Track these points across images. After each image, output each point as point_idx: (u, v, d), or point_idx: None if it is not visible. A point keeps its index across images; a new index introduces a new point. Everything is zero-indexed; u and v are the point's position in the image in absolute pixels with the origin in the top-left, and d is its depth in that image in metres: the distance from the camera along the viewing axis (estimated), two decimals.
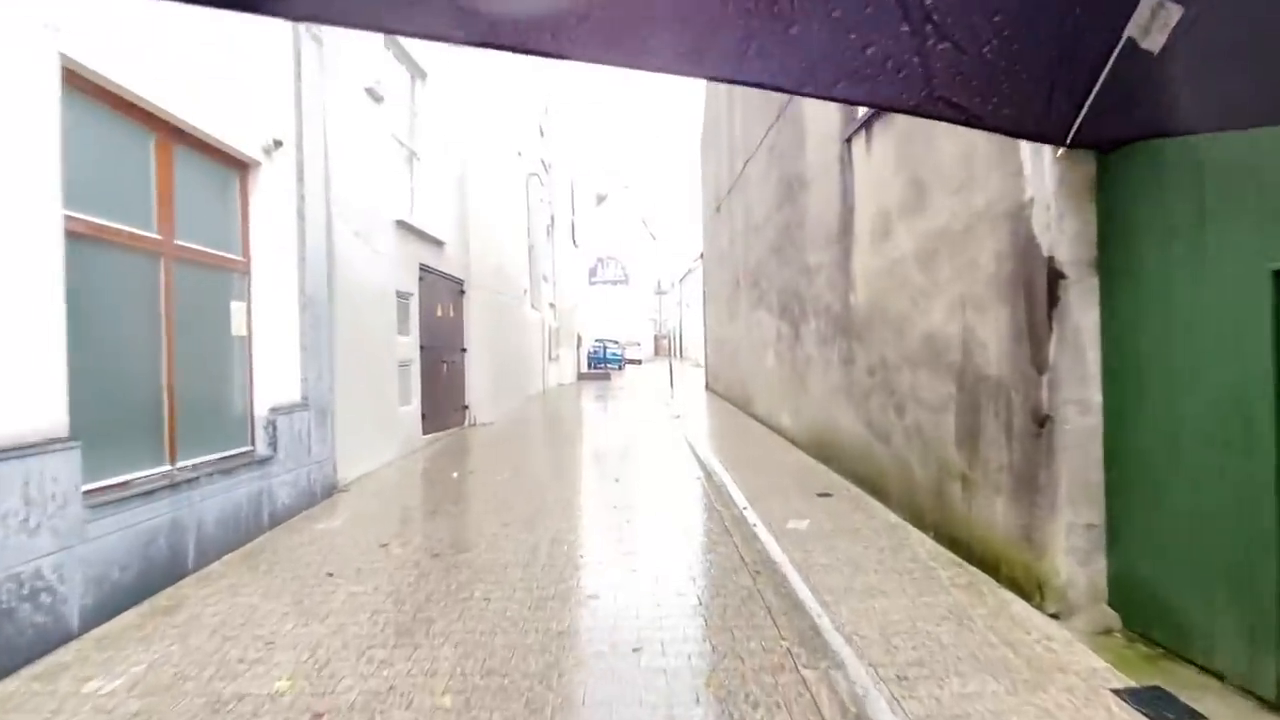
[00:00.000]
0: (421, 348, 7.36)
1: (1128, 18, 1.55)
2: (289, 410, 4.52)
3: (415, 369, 7.17)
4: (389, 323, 6.52)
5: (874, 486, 4.68)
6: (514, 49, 1.58)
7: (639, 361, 34.23)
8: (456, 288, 8.81)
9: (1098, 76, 1.87)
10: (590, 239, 36.21)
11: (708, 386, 14.58)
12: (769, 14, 1.40)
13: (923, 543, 3.71)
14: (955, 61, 1.67)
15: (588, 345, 24.14)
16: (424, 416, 7.40)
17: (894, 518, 4.21)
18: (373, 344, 6.08)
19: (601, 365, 23.74)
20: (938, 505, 3.73)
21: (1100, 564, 2.69)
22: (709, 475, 5.64)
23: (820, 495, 4.85)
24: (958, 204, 3.48)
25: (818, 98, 2.51)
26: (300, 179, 4.79)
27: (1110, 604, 2.66)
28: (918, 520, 3.97)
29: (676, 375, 20.84)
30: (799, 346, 6.64)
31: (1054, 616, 2.71)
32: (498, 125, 10.56)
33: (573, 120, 20.69)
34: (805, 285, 6.36)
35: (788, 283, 7.02)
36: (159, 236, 3.54)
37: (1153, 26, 1.30)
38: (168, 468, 3.54)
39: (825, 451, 5.82)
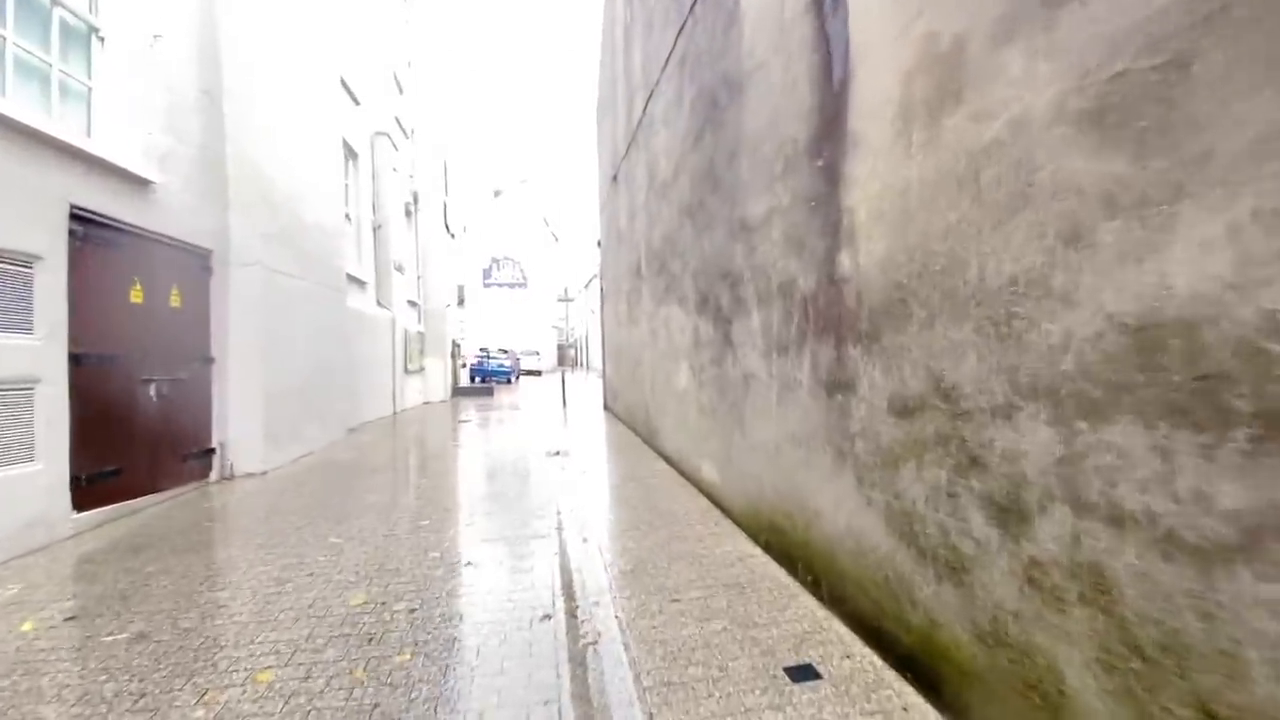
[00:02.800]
0: (74, 357, 4.10)
1: None
2: None
3: (50, 395, 3.90)
4: None
5: (909, 658, 2.13)
6: None
7: (538, 373, 31.00)
8: (194, 261, 5.53)
9: None
10: (485, 237, 32.67)
11: (606, 406, 11.87)
12: None
13: None
14: None
15: (471, 354, 20.72)
16: (80, 480, 4.12)
17: None
18: None
19: (485, 379, 20.39)
20: None
21: None
22: (575, 605, 2.91)
23: (794, 674, 2.25)
24: None
25: None
26: None
27: None
28: None
29: (579, 390, 18.02)
30: (730, 357, 4.08)
31: None
32: (301, 30, 7.36)
33: (447, 85, 17.48)
34: (741, 255, 3.81)
35: (711, 256, 4.46)
36: None
37: None
38: None
39: (783, 541, 3.25)
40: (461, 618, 2.81)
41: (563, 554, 3.60)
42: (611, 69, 9.36)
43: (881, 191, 2.33)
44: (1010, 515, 1.72)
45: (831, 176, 2.70)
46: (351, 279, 9.69)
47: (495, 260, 34.96)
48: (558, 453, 7.04)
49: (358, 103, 10.38)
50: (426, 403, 14.22)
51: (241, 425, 5.94)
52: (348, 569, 3.39)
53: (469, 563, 3.49)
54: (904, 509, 2.19)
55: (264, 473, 6.02)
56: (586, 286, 39.04)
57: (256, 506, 4.81)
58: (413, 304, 13.77)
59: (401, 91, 13.53)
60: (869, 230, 2.41)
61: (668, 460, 6.13)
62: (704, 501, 4.64)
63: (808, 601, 2.85)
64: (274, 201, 6.55)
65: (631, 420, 8.62)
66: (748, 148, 3.68)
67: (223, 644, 2.56)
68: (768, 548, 3.46)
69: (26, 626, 2.75)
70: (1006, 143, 1.74)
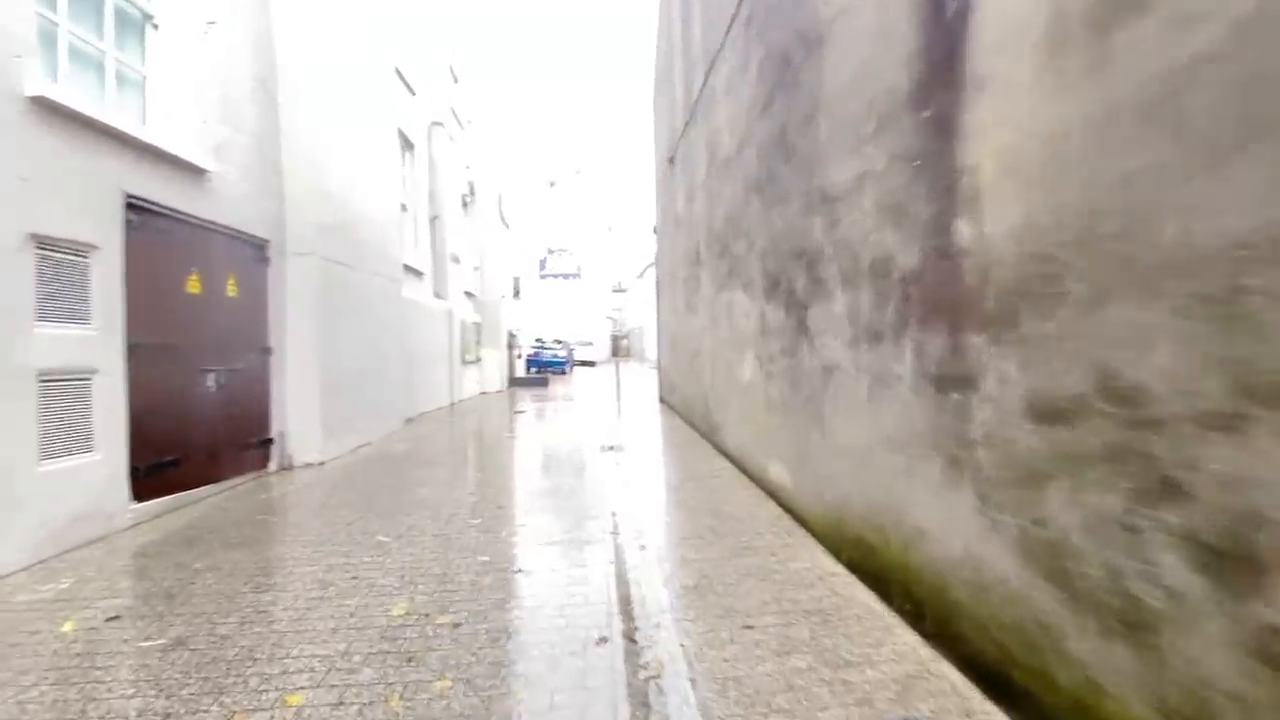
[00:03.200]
0: (132, 347, 4.08)
1: None
2: None
3: (107, 385, 3.89)
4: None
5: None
6: None
7: (592, 363, 31.01)
8: (251, 251, 5.51)
9: None
10: (539, 228, 32.91)
11: (661, 399, 11.54)
12: None
13: None
14: None
15: (527, 345, 20.83)
16: (139, 471, 4.12)
17: None
18: None
19: (541, 369, 20.44)
20: None
21: None
22: (634, 626, 2.59)
23: None
24: None
25: None
26: None
27: None
28: None
29: (634, 381, 17.79)
30: (806, 346, 3.64)
31: None
32: (356, 19, 7.29)
33: (502, 74, 17.43)
34: (821, 230, 3.36)
35: (782, 234, 4.02)
36: None
37: None
38: None
39: (873, 561, 2.82)
40: (509, 636, 2.53)
41: (619, 562, 3.29)
42: (668, 44, 8.93)
43: (1017, 141, 1.86)
44: (1230, 563, 1.26)
45: (943, 129, 2.23)
46: (408, 269, 9.71)
47: (550, 251, 35.17)
48: (611, 447, 6.76)
49: (413, 93, 10.36)
50: (483, 393, 14.29)
51: (299, 416, 5.94)
52: (393, 572, 3.19)
53: (520, 569, 3.22)
54: (1049, 539, 1.74)
55: (321, 463, 6.01)
56: (640, 276, 38.78)
57: (310, 499, 4.74)
58: (469, 295, 13.82)
59: (457, 81, 13.51)
60: (998, 190, 1.94)
61: (729, 458, 5.73)
62: (773, 506, 4.23)
63: (907, 637, 2.42)
64: (329, 191, 6.50)
65: (689, 414, 8.25)
66: (829, 107, 3.22)
67: (257, 656, 2.38)
68: (852, 566, 3.03)
69: (67, 627, 2.66)
70: (1226, 55, 1.26)
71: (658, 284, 11.40)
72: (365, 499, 4.69)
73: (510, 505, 4.49)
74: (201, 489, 4.77)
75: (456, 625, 2.61)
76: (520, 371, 18.89)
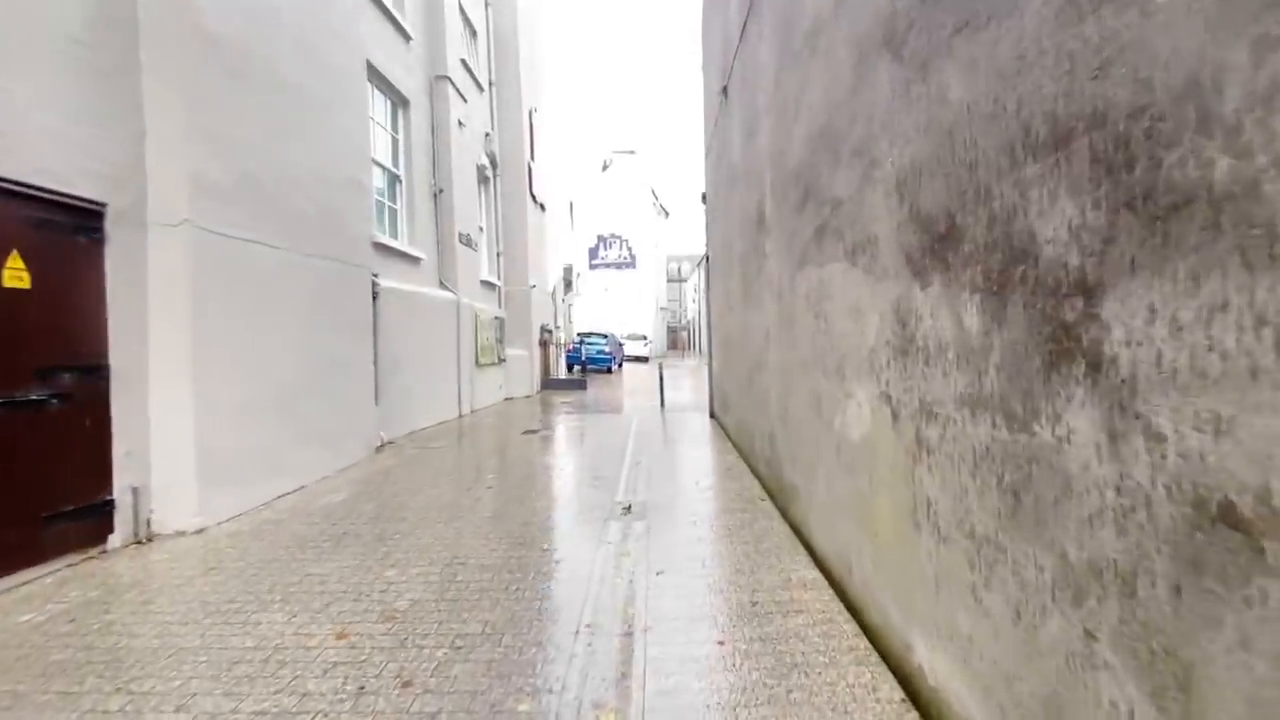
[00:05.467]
0: None
1: None
2: None
3: None
4: None
5: None
6: None
7: (645, 359, 28.79)
8: (61, 218, 3.60)
9: None
10: (590, 215, 30.96)
11: (712, 414, 9.19)
12: None
13: None
14: None
15: (569, 339, 18.85)
16: None
17: None
18: None
19: (582, 367, 18.41)
20: None
21: None
22: None
23: None
24: None
25: None
26: None
27: None
28: None
29: (684, 384, 15.52)
30: (1085, 410, 1.27)
31: None
32: None
33: (537, 33, 15.38)
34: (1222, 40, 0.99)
35: (966, 123, 1.65)
36: None
37: None
38: None
39: None
40: None
41: None
42: None
43: None
44: None
45: None
46: (395, 253, 7.82)
47: (602, 239, 33.14)
48: (629, 509, 4.54)
49: (407, 36, 8.43)
50: (508, 399, 12.39)
51: (166, 463, 4.05)
52: None
53: None
54: None
55: (200, 530, 4.11)
56: (699, 264, 36.36)
57: (87, 627, 2.77)
58: (489, 285, 11.90)
59: (475, 35, 11.55)
60: None
61: (814, 557, 3.39)
62: None
63: None
64: (231, 136, 4.57)
65: (746, 449, 5.91)
66: None
67: None
68: None
69: None
70: None
71: (708, 268, 9.06)
72: (171, 637, 2.68)
73: (406, 673, 2.35)
74: None
75: None
76: (564, 370, 16.96)
